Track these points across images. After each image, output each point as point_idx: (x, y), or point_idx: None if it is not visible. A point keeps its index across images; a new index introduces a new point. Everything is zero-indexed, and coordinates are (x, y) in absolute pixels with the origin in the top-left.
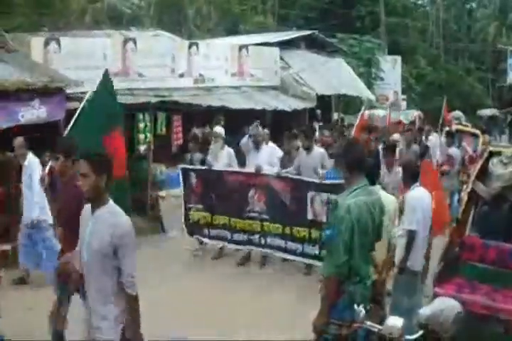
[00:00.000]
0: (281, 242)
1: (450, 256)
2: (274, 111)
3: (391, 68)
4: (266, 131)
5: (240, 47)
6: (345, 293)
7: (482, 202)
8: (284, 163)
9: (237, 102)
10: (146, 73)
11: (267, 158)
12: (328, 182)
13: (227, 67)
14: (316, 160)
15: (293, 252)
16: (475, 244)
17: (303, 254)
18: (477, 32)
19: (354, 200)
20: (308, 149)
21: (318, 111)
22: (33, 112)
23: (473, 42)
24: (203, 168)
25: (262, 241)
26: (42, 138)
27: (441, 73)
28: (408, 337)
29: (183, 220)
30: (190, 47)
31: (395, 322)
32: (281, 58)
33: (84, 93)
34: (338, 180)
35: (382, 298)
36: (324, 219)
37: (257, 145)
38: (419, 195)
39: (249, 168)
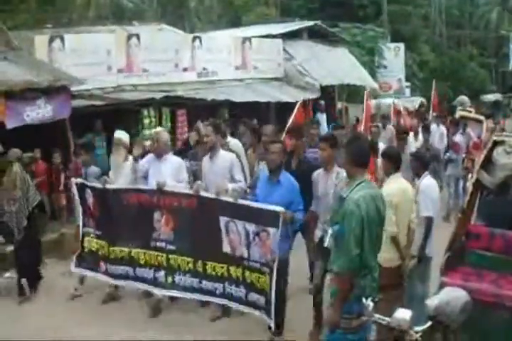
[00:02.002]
0: (193, 281)
1: (456, 245)
2: (278, 102)
3: (394, 56)
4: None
5: (243, 40)
6: (355, 287)
7: (487, 191)
8: None
9: (241, 95)
10: (150, 68)
11: (172, 169)
12: (246, 203)
13: (230, 59)
14: (222, 169)
15: (210, 293)
16: (481, 233)
17: (224, 295)
18: (479, 18)
19: (361, 194)
20: (212, 152)
21: (322, 102)
22: (39, 111)
23: (476, 29)
24: (99, 185)
25: (169, 280)
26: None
27: (445, 60)
28: (417, 328)
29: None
30: (193, 40)
31: (403, 314)
32: (284, 49)
33: (88, 90)
34: (262, 204)
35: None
36: (245, 254)
37: (159, 154)
38: (432, 183)
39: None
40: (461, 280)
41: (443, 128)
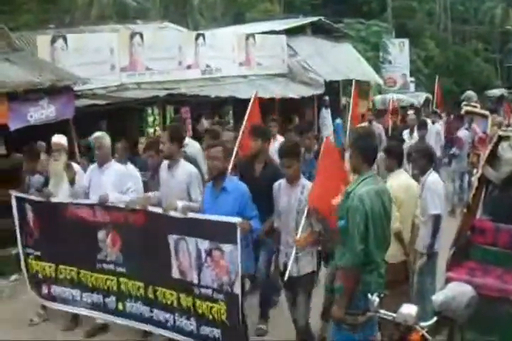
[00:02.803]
0: (145, 309)
1: (462, 241)
2: (283, 99)
3: (399, 51)
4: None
5: (247, 36)
6: (360, 282)
7: (492, 186)
8: None
9: (245, 92)
10: (154, 66)
11: (115, 179)
12: (197, 216)
13: (234, 56)
14: (180, 183)
15: (161, 325)
16: (486, 228)
17: (174, 328)
18: (484, 13)
19: (366, 189)
20: (171, 162)
21: (327, 98)
22: (42, 112)
23: (481, 24)
24: (38, 199)
25: (120, 307)
26: None
27: (449, 55)
28: (423, 323)
29: (24, 270)
30: (196, 38)
31: (409, 309)
32: (288, 45)
33: (92, 90)
34: (216, 216)
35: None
36: (196, 279)
37: (101, 162)
38: (437, 179)
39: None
40: (466, 276)
41: (438, 126)
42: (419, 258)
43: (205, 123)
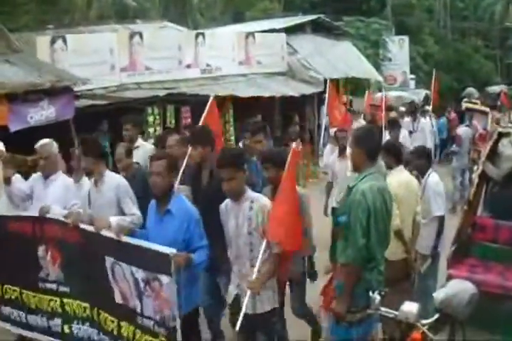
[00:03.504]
0: (93, 332)
1: (462, 238)
2: (283, 97)
3: (399, 48)
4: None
5: (247, 35)
6: (361, 280)
7: (493, 183)
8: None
9: (246, 90)
10: (154, 66)
11: (60, 192)
12: (131, 242)
13: (234, 55)
14: (109, 199)
15: None
16: (487, 225)
17: None
18: (484, 10)
19: (368, 185)
20: (95, 177)
21: (327, 95)
22: (42, 113)
23: (481, 20)
24: None
25: (66, 330)
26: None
27: (449, 52)
28: (424, 321)
29: None
30: (196, 37)
31: (410, 307)
32: (288, 43)
33: (91, 90)
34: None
35: (412, 275)
36: (138, 307)
37: (47, 174)
38: (438, 179)
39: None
40: (467, 273)
41: (426, 124)
42: (420, 259)
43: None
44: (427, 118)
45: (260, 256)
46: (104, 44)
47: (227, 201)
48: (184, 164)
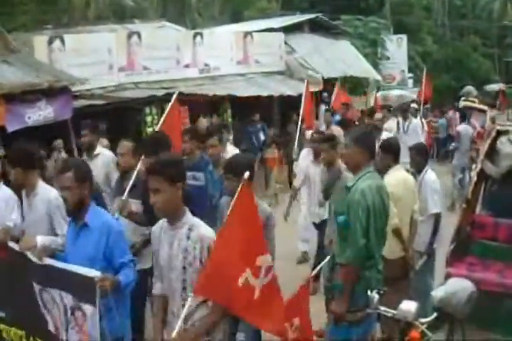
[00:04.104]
0: None
1: (461, 236)
2: (281, 96)
3: (397, 47)
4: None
5: (245, 35)
6: (361, 279)
7: (492, 181)
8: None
9: (244, 90)
10: (152, 66)
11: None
12: (55, 264)
13: (232, 55)
14: (41, 215)
15: None
16: (486, 223)
17: None
18: (482, 8)
19: (367, 184)
20: (26, 189)
21: (326, 94)
22: (40, 113)
23: (479, 19)
24: None
25: None
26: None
27: (448, 50)
28: (423, 319)
29: None
30: (194, 37)
31: (408, 306)
32: (286, 43)
33: (89, 90)
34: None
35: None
36: (65, 338)
37: None
38: (435, 177)
39: None
40: (466, 271)
41: (417, 124)
42: (417, 257)
43: (203, 122)
44: (418, 118)
45: (188, 305)
46: (102, 44)
47: (162, 222)
48: (134, 175)
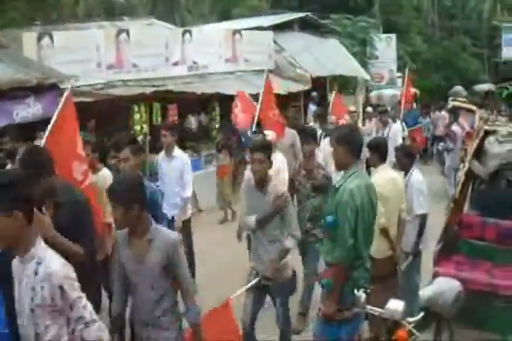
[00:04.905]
0: None
1: (449, 235)
2: None
3: (386, 46)
4: None
5: (234, 33)
6: (349, 279)
7: (479, 180)
8: None
9: (232, 88)
10: (140, 63)
11: None
12: None
13: (220, 52)
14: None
15: None
16: (473, 222)
17: None
18: (472, 8)
19: (355, 184)
20: None
21: (315, 93)
22: (28, 110)
23: (469, 19)
24: None
25: None
26: None
27: (437, 50)
28: (410, 318)
29: None
30: (183, 35)
31: (395, 305)
32: (275, 41)
33: (79, 87)
34: None
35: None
36: None
37: None
38: (421, 178)
39: None
40: (454, 270)
41: (397, 128)
42: (403, 258)
43: (192, 120)
44: (398, 122)
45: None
46: (91, 41)
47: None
48: None
